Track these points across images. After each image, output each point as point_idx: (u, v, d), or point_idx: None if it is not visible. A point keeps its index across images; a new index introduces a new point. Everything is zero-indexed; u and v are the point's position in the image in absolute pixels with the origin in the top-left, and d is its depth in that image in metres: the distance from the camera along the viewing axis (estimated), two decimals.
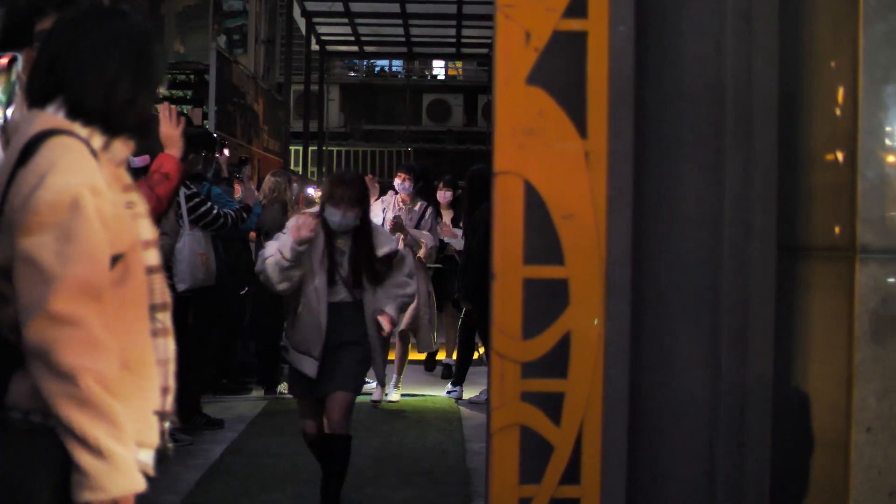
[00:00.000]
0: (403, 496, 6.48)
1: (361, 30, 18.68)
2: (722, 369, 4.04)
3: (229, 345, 9.45)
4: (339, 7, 16.57)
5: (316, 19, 17.79)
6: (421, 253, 9.25)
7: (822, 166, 3.33)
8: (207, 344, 8.10)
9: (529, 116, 4.04)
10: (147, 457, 2.58)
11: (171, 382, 2.73)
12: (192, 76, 15.32)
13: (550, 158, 4.01)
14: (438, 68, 25.50)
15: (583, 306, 4.00)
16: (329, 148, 22.27)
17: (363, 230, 5.91)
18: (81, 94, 2.55)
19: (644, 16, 4.07)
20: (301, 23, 17.82)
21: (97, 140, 2.54)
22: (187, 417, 7.71)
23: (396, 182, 9.63)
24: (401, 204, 9.57)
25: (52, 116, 2.53)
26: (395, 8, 16.64)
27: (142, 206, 2.69)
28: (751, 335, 3.98)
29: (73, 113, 2.54)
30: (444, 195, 10.23)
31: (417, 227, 9.43)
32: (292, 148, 19.72)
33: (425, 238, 9.36)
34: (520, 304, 4.02)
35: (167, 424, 2.70)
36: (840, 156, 3.19)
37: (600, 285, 4.00)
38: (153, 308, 2.68)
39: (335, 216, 5.80)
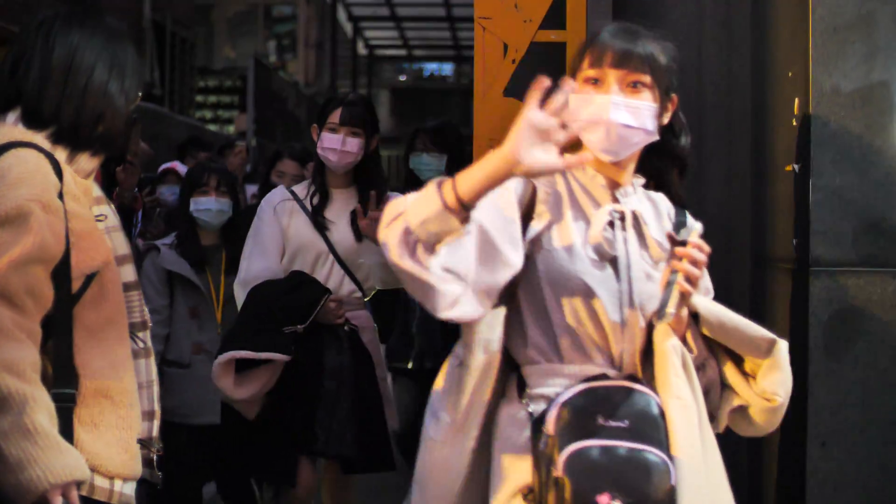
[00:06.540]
0: None
1: (408, 34, 18.72)
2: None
3: None
4: (384, 11, 16.63)
5: (362, 24, 17.86)
6: None
7: (783, 177, 3.29)
8: None
9: (508, 128, 4.01)
10: (130, 489, 2.42)
11: (157, 406, 2.57)
12: (238, 82, 15.52)
13: None
14: None
15: None
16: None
17: None
18: (40, 104, 2.38)
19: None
20: (348, 27, 17.92)
21: (61, 152, 2.38)
22: None
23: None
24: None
25: (14, 128, 2.38)
26: (441, 12, 16.64)
27: (114, 218, 2.52)
28: None
29: (31, 122, 2.38)
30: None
31: None
32: None
33: None
34: None
35: (154, 453, 2.55)
36: (797, 167, 3.15)
37: None
38: (132, 327, 2.50)
39: None
